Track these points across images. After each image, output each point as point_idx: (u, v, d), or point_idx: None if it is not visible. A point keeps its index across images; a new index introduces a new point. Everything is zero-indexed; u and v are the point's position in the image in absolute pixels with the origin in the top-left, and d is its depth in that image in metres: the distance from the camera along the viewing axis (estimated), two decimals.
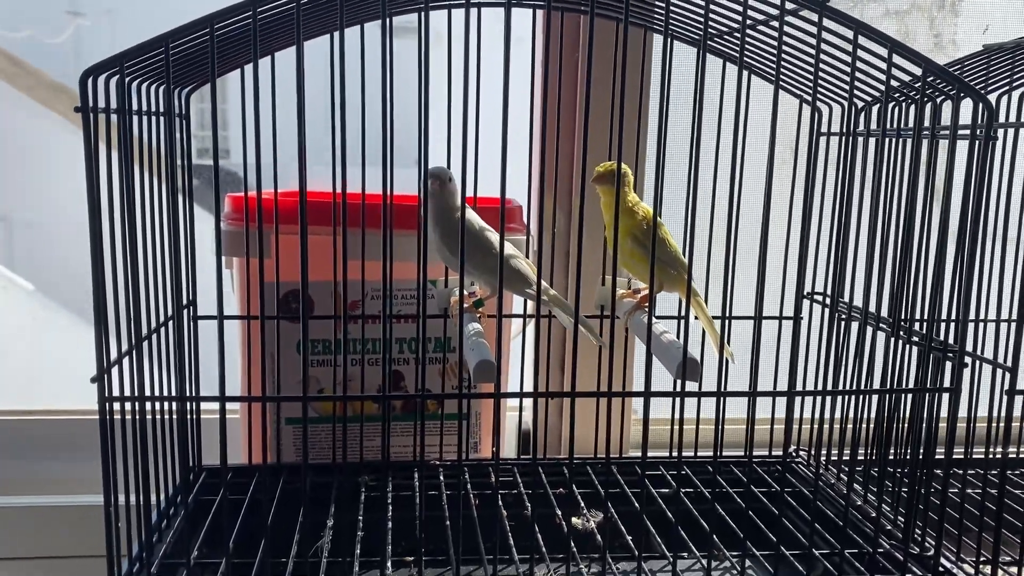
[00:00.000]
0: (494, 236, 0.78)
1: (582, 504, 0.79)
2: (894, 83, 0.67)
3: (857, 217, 0.76)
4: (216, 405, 0.61)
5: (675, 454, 0.73)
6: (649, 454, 0.91)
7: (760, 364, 0.80)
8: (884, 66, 0.63)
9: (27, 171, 1.33)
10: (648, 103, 0.91)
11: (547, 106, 0.94)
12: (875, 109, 0.79)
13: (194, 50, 0.64)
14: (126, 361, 0.63)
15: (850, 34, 0.62)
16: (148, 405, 0.65)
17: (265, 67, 0.69)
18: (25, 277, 1.49)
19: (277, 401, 0.59)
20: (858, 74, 0.68)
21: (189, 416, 0.78)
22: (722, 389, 0.67)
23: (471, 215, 0.78)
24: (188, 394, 0.74)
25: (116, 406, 0.61)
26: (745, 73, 0.80)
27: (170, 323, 0.71)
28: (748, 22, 0.66)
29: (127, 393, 0.62)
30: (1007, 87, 0.81)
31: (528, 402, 1.04)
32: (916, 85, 0.67)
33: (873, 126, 0.79)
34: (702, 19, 0.68)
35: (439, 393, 0.85)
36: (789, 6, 0.60)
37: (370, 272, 0.81)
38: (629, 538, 0.72)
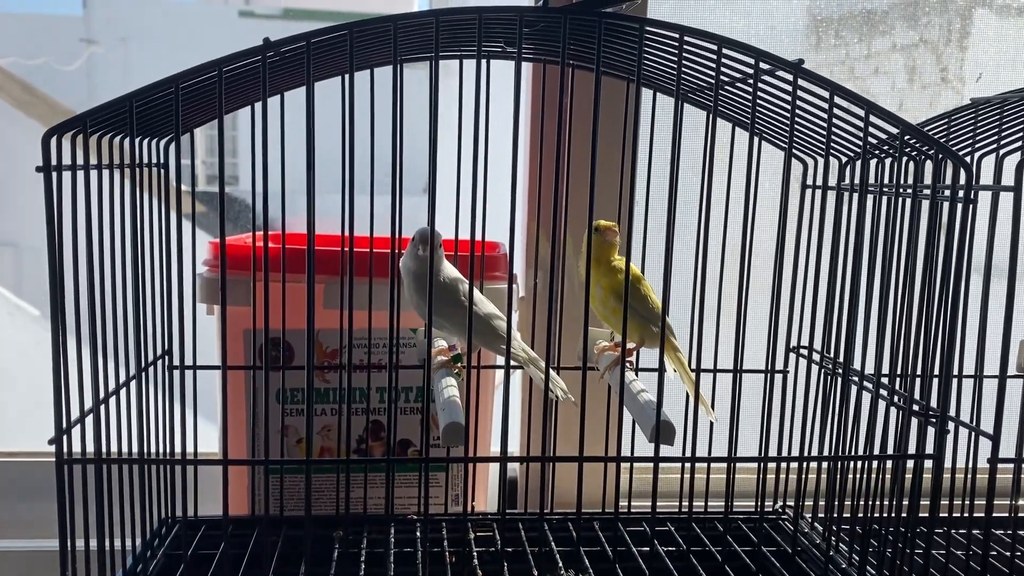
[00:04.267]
0: (475, 290, 0.77)
1: (559, 562, 0.77)
2: (881, 137, 0.67)
3: (841, 271, 0.75)
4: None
5: (653, 510, 0.71)
6: (635, 503, 0.90)
7: (745, 417, 0.79)
8: (862, 123, 0.62)
9: (37, 198, 1.33)
10: (637, 155, 0.91)
11: (517, 150, 0.93)
12: (859, 164, 0.78)
13: (167, 103, 0.64)
14: (90, 418, 0.62)
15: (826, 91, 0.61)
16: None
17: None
18: (32, 303, 1.49)
19: (244, 464, 0.58)
20: (838, 131, 0.68)
21: (160, 473, 0.77)
22: (697, 454, 0.65)
23: (448, 269, 0.77)
24: (155, 454, 0.73)
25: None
26: (729, 126, 0.81)
27: (139, 377, 0.70)
28: (725, 79, 0.65)
29: (91, 449, 0.61)
30: (995, 143, 0.80)
31: (511, 452, 1.02)
32: (895, 143, 0.66)
33: (857, 181, 0.78)
34: (676, 76, 0.67)
35: (406, 457, 0.83)
36: (764, 66, 0.59)
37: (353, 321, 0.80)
38: None
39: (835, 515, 0.77)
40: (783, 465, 0.87)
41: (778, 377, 0.85)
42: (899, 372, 0.69)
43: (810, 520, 0.86)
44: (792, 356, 0.86)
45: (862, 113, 0.62)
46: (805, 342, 0.85)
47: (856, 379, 0.73)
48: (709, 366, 0.85)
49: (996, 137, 0.80)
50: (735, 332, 0.68)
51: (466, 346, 0.78)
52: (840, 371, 0.76)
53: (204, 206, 1.47)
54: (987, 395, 0.81)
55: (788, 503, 0.90)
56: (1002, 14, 1.14)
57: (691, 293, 0.81)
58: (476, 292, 0.77)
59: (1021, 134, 0.79)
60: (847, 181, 0.79)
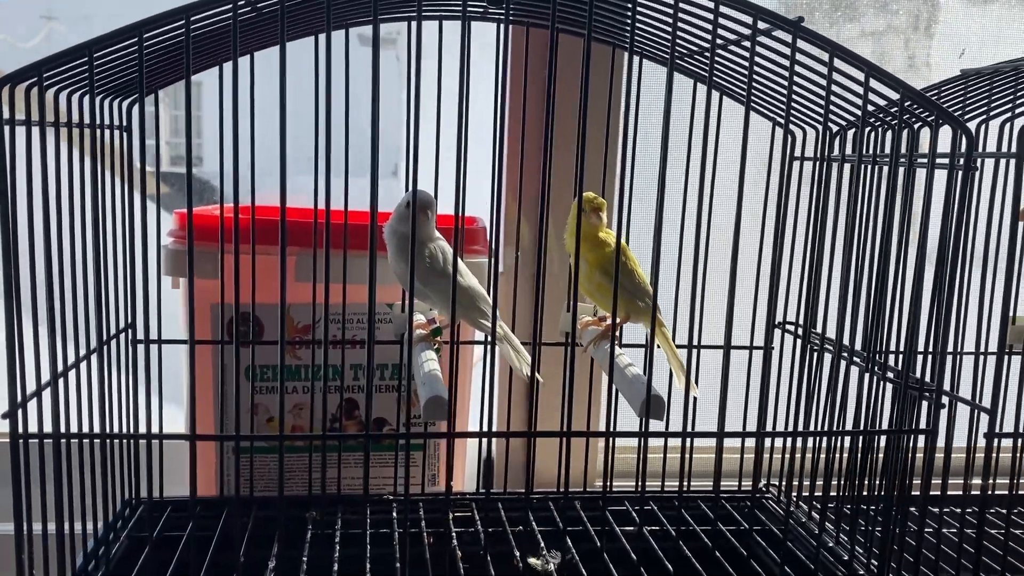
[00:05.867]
0: (459, 262, 0.74)
1: (541, 543, 0.75)
2: (869, 108, 0.65)
3: (831, 245, 0.73)
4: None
5: (640, 489, 0.69)
6: (616, 484, 0.88)
7: (730, 395, 0.77)
8: (860, 90, 0.60)
9: None
10: (616, 123, 0.88)
11: (503, 120, 0.90)
12: (850, 134, 0.76)
13: (130, 59, 0.60)
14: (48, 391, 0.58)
15: (825, 56, 0.59)
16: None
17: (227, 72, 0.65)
18: None
19: (212, 440, 0.54)
20: (833, 98, 0.65)
21: (123, 450, 0.73)
22: (688, 429, 0.63)
23: (437, 238, 0.74)
24: (117, 430, 0.69)
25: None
26: (716, 94, 0.78)
27: (101, 351, 0.66)
28: (719, 42, 0.62)
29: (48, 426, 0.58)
30: (984, 114, 0.79)
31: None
32: (893, 110, 0.64)
33: (848, 151, 0.76)
34: (671, 38, 0.65)
35: (387, 433, 0.79)
36: (762, 26, 0.57)
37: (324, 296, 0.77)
38: None
39: (827, 494, 0.75)
40: (766, 443, 0.85)
41: (761, 353, 0.83)
42: (892, 348, 0.67)
43: (794, 499, 0.84)
44: (777, 333, 0.85)
45: (859, 77, 0.59)
46: (791, 318, 0.83)
47: (846, 355, 0.71)
48: (693, 342, 0.83)
49: (986, 106, 0.78)
50: (727, 308, 0.66)
51: (446, 319, 0.75)
52: (829, 347, 0.74)
53: (168, 186, 1.42)
54: (981, 372, 0.80)
55: (772, 482, 0.88)
56: (969, 1, 1.14)
57: (676, 269, 0.79)
58: (460, 263, 0.74)
59: (1010, 103, 0.78)
60: (836, 152, 0.77)
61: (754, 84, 0.71)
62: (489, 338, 0.78)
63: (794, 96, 0.70)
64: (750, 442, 0.85)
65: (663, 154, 0.60)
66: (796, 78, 0.63)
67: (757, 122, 0.81)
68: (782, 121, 0.78)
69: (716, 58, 0.69)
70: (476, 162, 0.75)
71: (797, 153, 0.82)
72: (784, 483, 0.82)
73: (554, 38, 0.56)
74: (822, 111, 0.72)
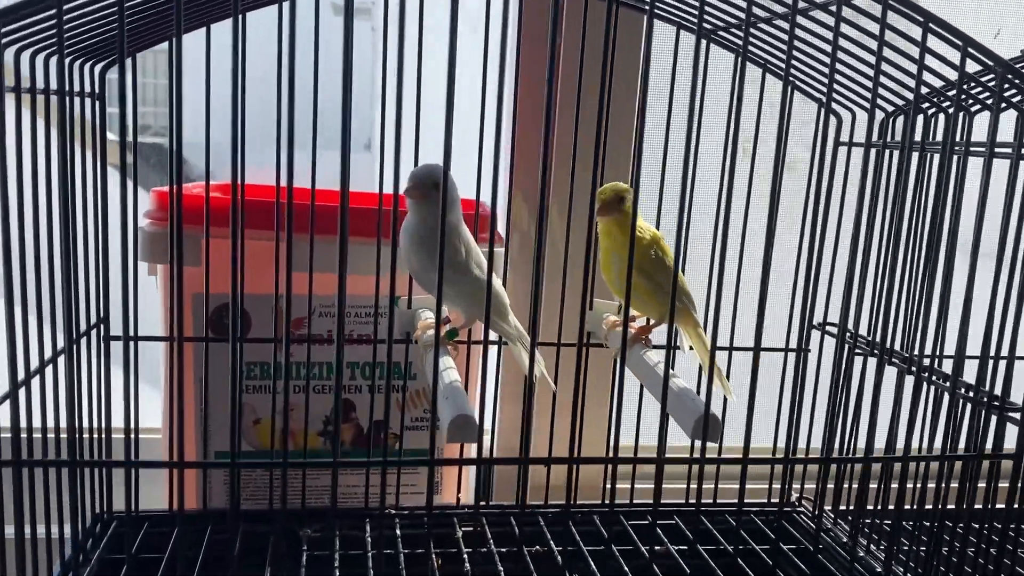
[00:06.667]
0: (477, 252, 0.66)
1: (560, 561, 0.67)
2: (926, 89, 0.58)
3: (890, 242, 0.67)
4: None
5: (696, 502, 0.62)
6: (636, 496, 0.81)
7: (763, 397, 0.70)
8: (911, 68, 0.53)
9: None
10: (634, 100, 0.80)
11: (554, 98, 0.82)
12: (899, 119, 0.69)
13: (103, 19, 0.51)
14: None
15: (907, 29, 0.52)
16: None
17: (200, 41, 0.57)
18: None
19: (200, 467, 0.46)
20: (887, 79, 0.58)
21: (93, 468, 0.64)
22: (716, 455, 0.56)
23: (460, 226, 0.66)
24: (86, 457, 0.60)
25: None
26: (759, 74, 0.71)
27: (70, 351, 0.57)
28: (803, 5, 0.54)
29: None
30: None
31: (487, 432, 0.91)
32: (975, 91, 0.57)
33: (894, 137, 0.69)
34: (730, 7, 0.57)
35: (405, 460, 0.70)
36: None
37: (318, 286, 0.68)
38: None
39: (865, 508, 0.69)
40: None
41: (795, 357, 0.76)
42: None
43: (833, 517, 0.77)
44: (816, 334, 0.78)
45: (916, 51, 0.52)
46: (832, 319, 0.77)
47: (899, 362, 0.65)
48: (725, 343, 0.76)
49: None
50: (789, 311, 0.59)
51: (460, 317, 0.68)
52: (875, 353, 0.67)
53: (143, 161, 1.32)
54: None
55: (806, 496, 0.81)
56: None
57: (707, 267, 0.72)
58: (479, 257, 0.66)
59: None
60: (876, 139, 0.70)
61: (811, 63, 0.64)
62: (507, 341, 0.70)
63: (845, 77, 0.63)
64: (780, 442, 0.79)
65: (732, 148, 0.52)
66: (852, 56, 0.56)
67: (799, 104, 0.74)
68: (866, 104, 0.69)
69: (771, 41, 0.62)
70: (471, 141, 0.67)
71: (844, 138, 0.74)
72: (854, 511, 0.74)
73: (616, 10, 0.48)
74: (889, 92, 0.65)
